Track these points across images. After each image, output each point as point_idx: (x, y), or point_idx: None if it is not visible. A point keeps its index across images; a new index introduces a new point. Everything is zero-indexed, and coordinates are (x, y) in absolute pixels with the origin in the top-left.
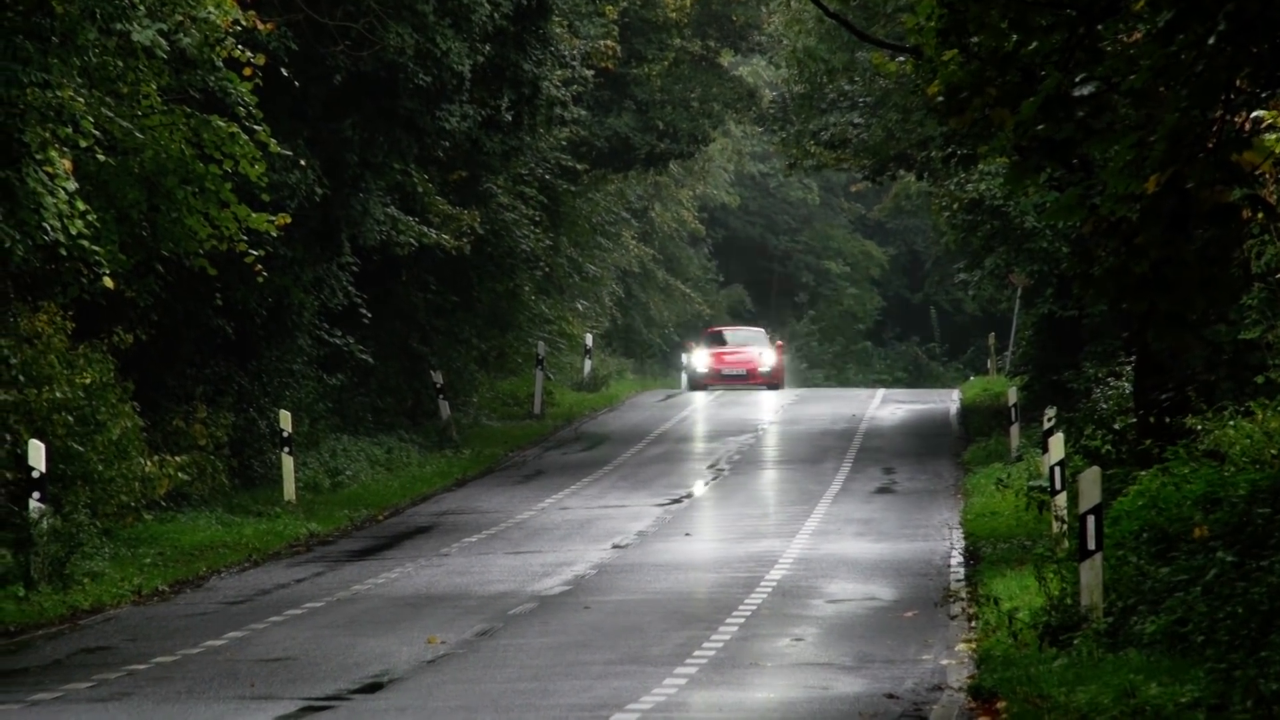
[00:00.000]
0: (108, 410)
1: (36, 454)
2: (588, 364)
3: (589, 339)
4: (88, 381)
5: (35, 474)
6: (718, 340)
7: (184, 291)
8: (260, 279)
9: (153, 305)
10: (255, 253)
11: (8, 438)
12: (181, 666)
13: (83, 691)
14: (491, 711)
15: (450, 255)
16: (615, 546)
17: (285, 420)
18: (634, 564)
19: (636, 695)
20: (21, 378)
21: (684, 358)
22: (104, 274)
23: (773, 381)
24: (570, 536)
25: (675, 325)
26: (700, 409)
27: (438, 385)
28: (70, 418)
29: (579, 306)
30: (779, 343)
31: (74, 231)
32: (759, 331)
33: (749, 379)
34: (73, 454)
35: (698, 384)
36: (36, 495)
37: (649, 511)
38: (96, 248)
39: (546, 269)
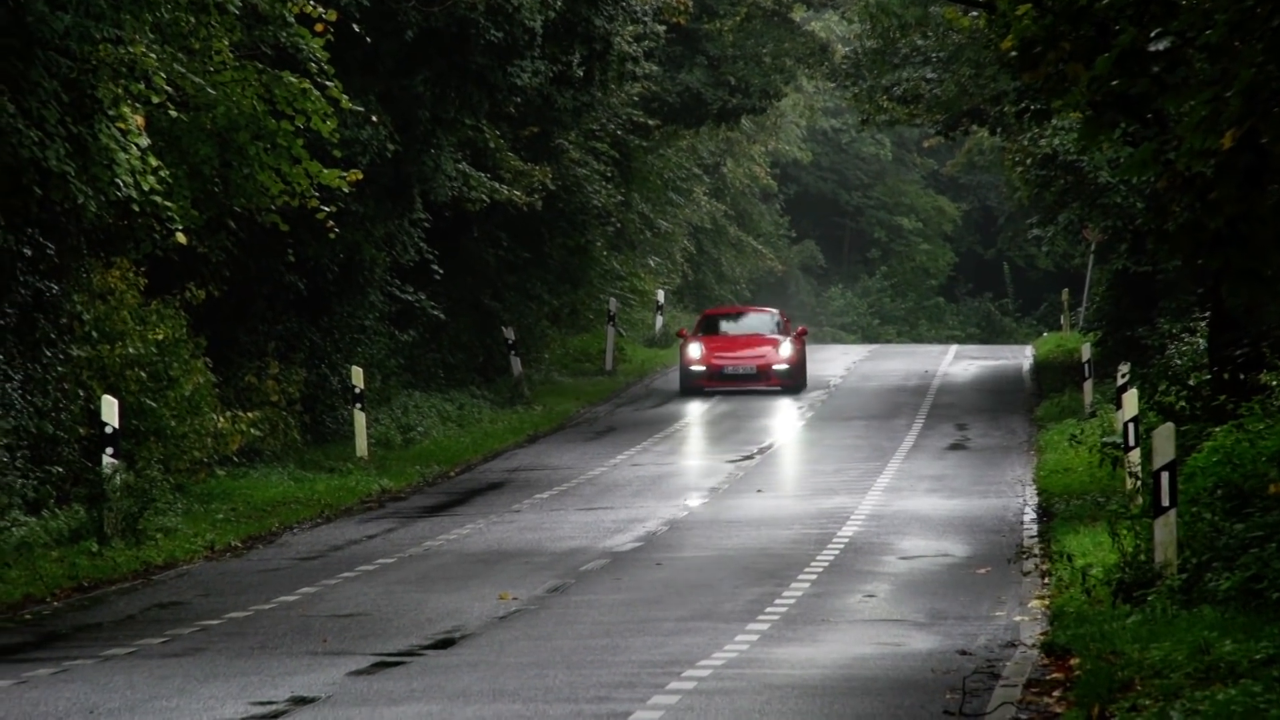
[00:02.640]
0: (180, 366)
1: (110, 410)
2: (659, 320)
3: (661, 295)
4: (160, 337)
5: (108, 430)
6: (716, 326)
7: (256, 247)
8: (332, 235)
9: (225, 261)
10: (327, 209)
11: (81, 394)
12: (254, 622)
13: (155, 647)
14: (563, 668)
15: (522, 211)
16: (687, 503)
17: (357, 376)
18: (706, 520)
19: (708, 651)
20: (95, 334)
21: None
22: (176, 230)
23: (791, 381)
24: (642, 493)
25: (747, 281)
26: None
27: (509, 341)
28: (143, 374)
29: (650, 262)
30: (800, 329)
31: (146, 187)
32: (771, 314)
33: (759, 379)
34: (145, 410)
35: (691, 386)
36: (110, 451)
37: (721, 468)
38: (169, 204)
39: (618, 225)
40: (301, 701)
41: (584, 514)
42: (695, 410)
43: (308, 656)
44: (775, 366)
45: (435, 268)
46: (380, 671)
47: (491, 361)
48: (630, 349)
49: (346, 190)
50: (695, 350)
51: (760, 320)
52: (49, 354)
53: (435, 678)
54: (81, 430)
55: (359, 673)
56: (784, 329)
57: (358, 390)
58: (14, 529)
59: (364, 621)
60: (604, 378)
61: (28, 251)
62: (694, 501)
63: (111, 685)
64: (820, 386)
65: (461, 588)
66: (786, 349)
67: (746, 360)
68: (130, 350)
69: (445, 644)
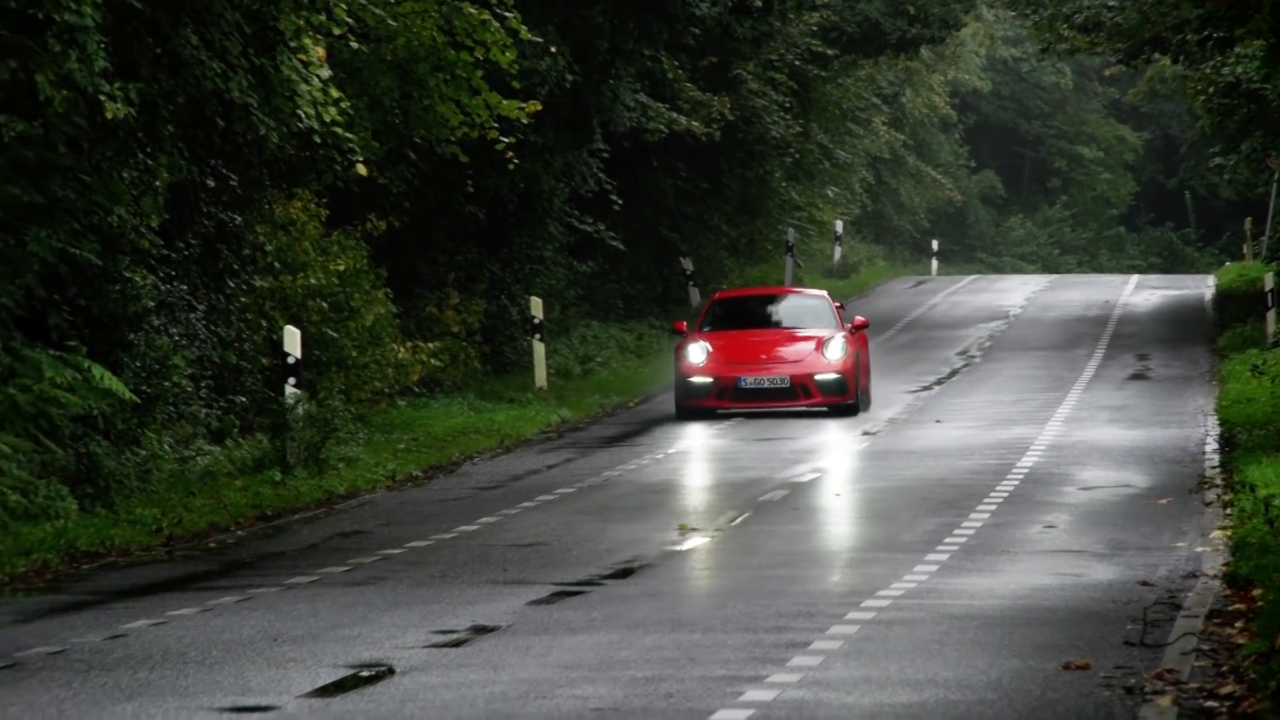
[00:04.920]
0: (361, 297)
1: (292, 340)
2: (838, 250)
3: (839, 225)
4: (342, 268)
5: (291, 360)
6: (731, 316)
7: (436, 179)
8: (511, 166)
9: (405, 192)
10: (506, 139)
11: (264, 324)
12: (435, 551)
13: (338, 575)
14: (742, 598)
15: (700, 142)
16: (866, 433)
17: (536, 307)
18: (884, 451)
19: (887, 582)
20: (277, 265)
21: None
22: (357, 161)
23: (842, 397)
24: (821, 423)
25: (925, 211)
26: (947, 297)
27: (688, 272)
28: (325, 304)
29: (829, 193)
30: (858, 319)
31: (328, 119)
32: (814, 298)
33: (793, 395)
34: (327, 340)
35: (690, 406)
36: (292, 381)
37: (900, 398)
38: (350, 135)
39: (797, 155)
40: (482, 630)
41: (762, 444)
42: (874, 341)
43: (488, 585)
44: (819, 377)
45: (614, 198)
46: (560, 601)
47: (670, 292)
48: (808, 279)
49: (525, 121)
50: (698, 354)
51: (798, 307)
52: (232, 285)
53: (614, 607)
54: (264, 360)
55: (539, 602)
56: (834, 320)
57: (537, 321)
58: (199, 458)
59: (543, 551)
60: None
61: (211, 183)
62: (872, 431)
63: (294, 613)
64: (1000, 317)
65: (640, 518)
66: (836, 350)
67: (774, 368)
68: (312, 281)
69: (624, 574)
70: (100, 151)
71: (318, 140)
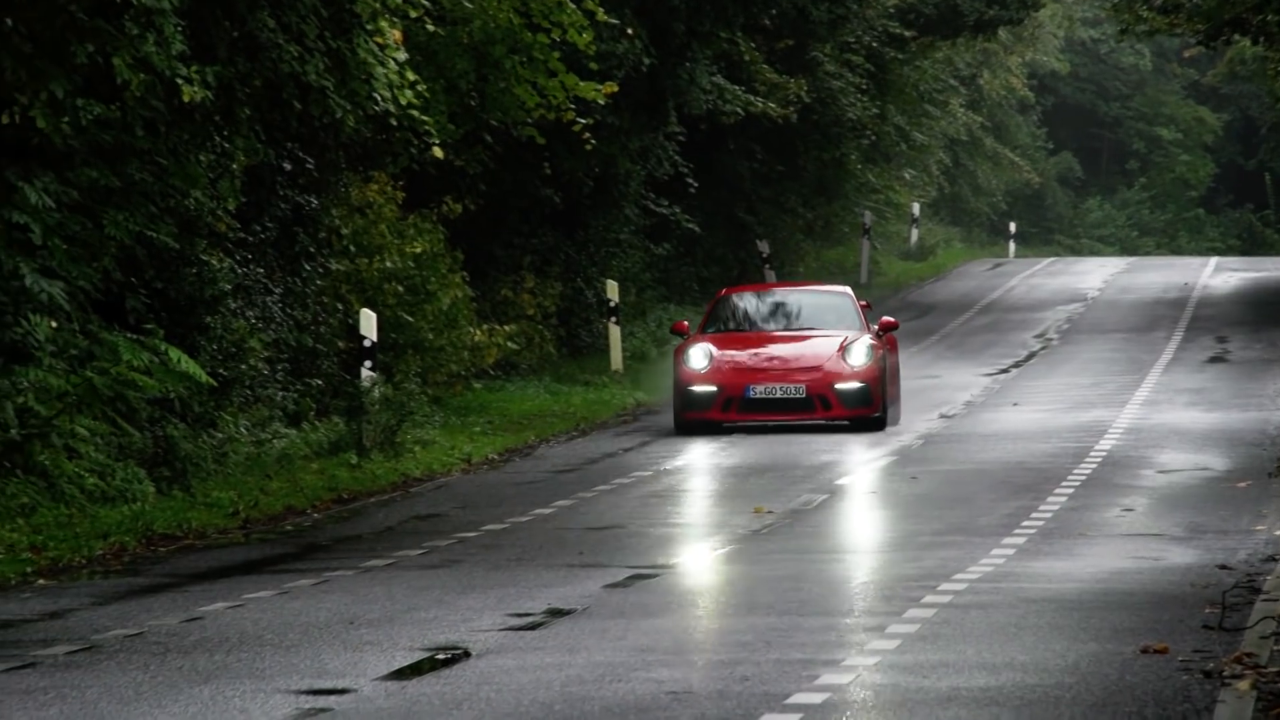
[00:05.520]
0: (437, 280)
1: (368, 323)
2: (914, 233)
3: (916, 208)
4: (418, 251)
5: (367, 343)
6: (738, 316)
7: (512, 161)
8: (587, 148)
9: (481, 175)
10: (583, 121)
11: (340, 307)
12: (510, 534)
13: (414, 558)
14: (818, 581)
15: (776, 124)
16: (942, 416)
17: (612, 290)
18: (961, 434)
19: (964, 565)
20: (353, 248)
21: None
22: (433, 144)
23: (867, 410)
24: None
25: (1003, 193)
26: (1024, 279)
27: (764, 254)
28: (400, 287)
29: (906, 175)
30: (886, 320)
31: (404, 102)
32: (837, 295)
33: (809, 408)
34: (403, 323)
35: (692, 420)
36: (368, 364)
37: (976, 381)
38: (426, 118)
39: (873, 137)
40: (558, 613)
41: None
42: (951, 323)
43: (564, 569)
44: (839, 386)
45: (690, 181)
46: (635, 584)
47: (746, 274)
48: (885, 262)
49: (602, 103)
50: (700, 358)
51: (817, 304)
52: (308, 268)
53: (689, 590)
54: (340, 343)
55: (615, 585)
56: (859, 320)
57: (612, 304)
58: (275, 441)
59: (619, 534)
60: (858, 290)
61: (287, 166)
62: (949, 414)
63: (370, 596)
64: (1078, 300)
65: (716, 501)
66: (860, 354)
67: (788, 375)
68: (388, 264)
69: (700, 557)
70: (177, 135)
71: (394, 123)
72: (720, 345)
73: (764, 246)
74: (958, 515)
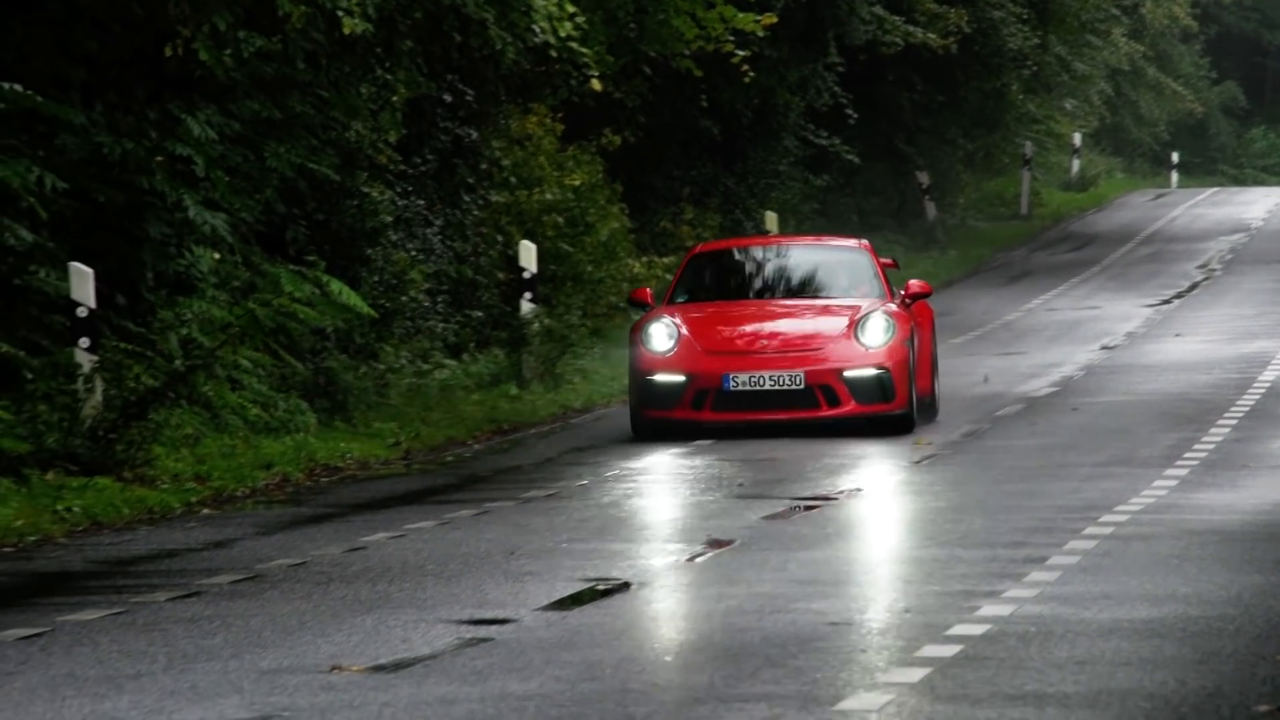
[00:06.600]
0: (596, 212)
1: (528, 255)
2: (1076, 163)
3: (1077, 138)
4: (577, 183)
5: (526, 274)
6: (722, 280)
7: (670, 93)
8: (746, 80)
9: (640, 107)
10: (741, 53)
11: (499, 239)
12: (671, 466)
13: (575, 489)
14: (978, 513)
15: (937, 55)
16: (1104, 347)
17: (771, 221)
18: (1123, 365)
19: (1125, 497)
20: (513, 179)
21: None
22: (592, 76)
23: (886, 405)
24: (1058, 338)
25: (1166, 123)
26: (1187, 210)
27: (924, 186)
28: (560, 219)
29: (1067, 105)
30: (914, 284)
31: (563, 33)
32: (848, 253)
33: (811, 402)
34: (563, 255)
35: (652, 415)
36: (528, 296)
37: (1138, 312)
38: (585, 50)
39: (1034, 68)
40: (718, 544)
41: (999, 359)
42: (1112, 254)
43: (724, 500)
44: (850, 373)
45: (849, 112)
46: (795, 515)
47: (905, 206)
48: (1046, 193)
49: (761, 34)
50: (663, 338)
51: (821, 264)
52: (468, 199)
53: (850, 522)
54: (500, 275)
55: (773, 517)
56: (878, 285)
57: (771, 234)
58: (436, 372)
59: (780, 466)
60: (1019, 222)
61: (448, 98)
62: (1110, 346)
63: (531, 527)
64: (1241, 230)
65: (876, 432)
66: (877, 331)
67: (780, 360)
68: (547, 196)
69: (859, 489)
70: (338, 67)
71: (553, 55)
72: (691, 320)
73: (924, 178)
74: (1119, 447)
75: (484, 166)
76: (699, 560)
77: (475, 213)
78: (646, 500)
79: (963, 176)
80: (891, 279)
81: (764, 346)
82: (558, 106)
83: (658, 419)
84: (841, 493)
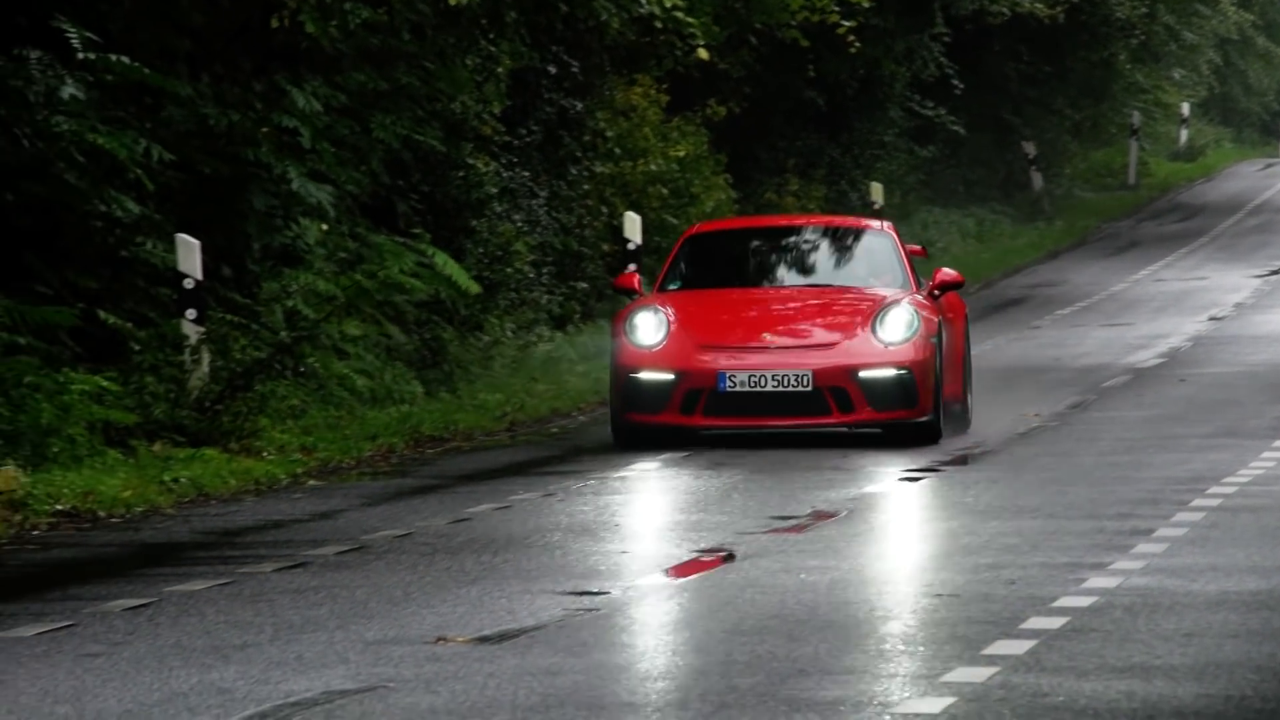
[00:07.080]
0: (701, 183)
1: (632, 226)
2: (1184, 133)
3: (1185, 108)
4: (682, 154)
5: (631, 246)
6: (718, 266)
7: (776, 64)
8: (852, 50)
9: (745, 78)
10: (847, 24)
11: (604, 210)
12: (776, 438)
13: (679, 460)
14: (1084, 484)
15: (1043, 24)
16: (1212, 318)
17: (876, 192)
18: (1231, 336)
19: (1233, 469)
20: (617, 150)
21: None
22: (698, 46)
23: (909, 410)
24: (1165, 309)
25: (1276, 93)
26: None
27: (1030, 156)
28: (665, 190)
29: (1175, 75)
30: (943, 274)
31: (669, 4)
32: (871, 236)
33: (820, 407)
34: (668, 226)
35: (637, 419)
36: (633, 267)
37: (1247, 283)
38: (690, 20)
39: (1142, 37)
40: (823, 516)
41: (1105, 330)
42: (1221, 225)
43: (829, 471)
44: (866, 374)
45: (955, 83)
46: (903, 485)
47: (1012, 176)
48: (1154, 163)
49: (867, 5)
50: (650, 329)
51: (835, 249)
52: (573, 171)
53: (955, 494)
54: (605, 246)
55: (877, 490)
56: (902, 273)
57: (877, 206)
58: (540, 344)
59: (883, 437)
60: (1126, 192)
61: (553, 69)
62: (1218, 317)
63: (635, 499)
64: None
65: (985, 402)
66: (899, 326)
67: (785, 357)
68: (652, 167)
69: (964, 460)
70: (444, 38)
71: (658, 25)
72: (683, 310)
73: (1030, 148)
74: (1227, 418)
75: (588, 138)
76: (804, 532)
77: (580, 184)
78: (751, 471)
79: (1069, 147)
80: (919, 268)
81: (766, 341)
82: (662, 77)
83: (640, 424)
84: (947, 465)
